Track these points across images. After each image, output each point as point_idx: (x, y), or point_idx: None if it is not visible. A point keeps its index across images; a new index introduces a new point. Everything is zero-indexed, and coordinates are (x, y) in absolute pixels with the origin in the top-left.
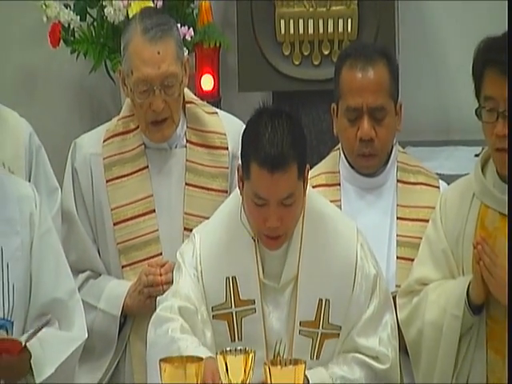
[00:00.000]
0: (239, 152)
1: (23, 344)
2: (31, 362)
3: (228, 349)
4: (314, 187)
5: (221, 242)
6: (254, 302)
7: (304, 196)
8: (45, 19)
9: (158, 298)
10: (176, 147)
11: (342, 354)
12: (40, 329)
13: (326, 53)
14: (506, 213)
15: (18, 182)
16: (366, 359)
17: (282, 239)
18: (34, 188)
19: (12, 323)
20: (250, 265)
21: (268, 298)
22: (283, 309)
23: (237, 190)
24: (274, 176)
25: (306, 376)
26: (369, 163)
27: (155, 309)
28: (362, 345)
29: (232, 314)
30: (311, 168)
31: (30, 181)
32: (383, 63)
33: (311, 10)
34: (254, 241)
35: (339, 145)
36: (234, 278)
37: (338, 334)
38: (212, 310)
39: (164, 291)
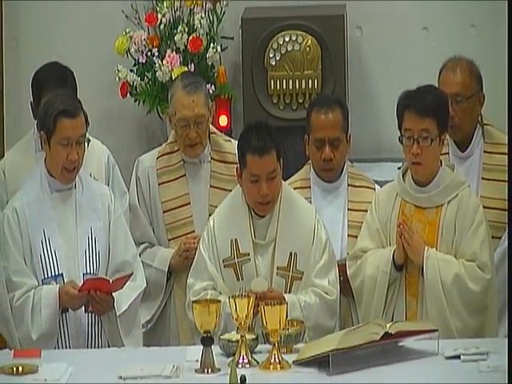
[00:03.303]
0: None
1: (110, 282)
2: (114, 301)
3: (236, 294)
4: (294, 189)
5: (227, 217)
6: (248, 254)
7: (280, 175)
8: (117, 79)
9: (188, 281)
10: (204, 162)
11: (303, 289)
12: (127, 278)
13: (301, 101)
14: (419, 205)
15: (100, 185)
16: (320, 291)
17: (270, 205)
18: (109, 189)
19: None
20: (246, 230)
21: (258, 251)
22: (268, 258)
23: (237, 188)
24: (262, 158)
25: (283, 297)
26: (329, 175)
27: (189, 267)
28: (317, 283)
29: (235, 263)
30: (291, 176)
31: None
32: (338, 109)
33: (291, 73)
34: (250, 212)
35: (309, 161)
36: (235, 240)
37: (301, 278)
38: (223, 262)
39: (195, 255)
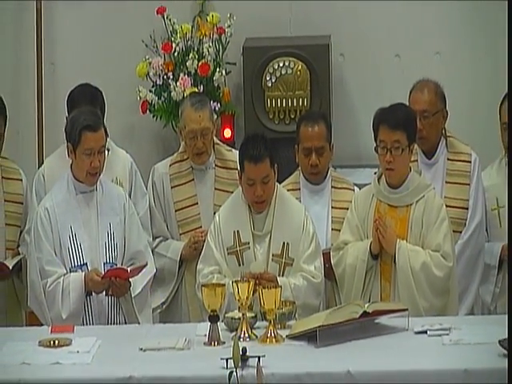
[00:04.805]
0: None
1: (129, 271)
2: (131, 286)
3: (238, 279)
4: (287, 190)
5: (230, 212)
6: (248, 243)
7: (274, 179)
8: (138, 98)
9: (197, 267)
10: (209, 169)
11: (294, 274)
12: (142, 268)
13: (293, 117)
14: (392, 204)
15: (117, 187)
16: (308, 275)
17: (265, 204)
18: (124, 190)
19: (116, 264)
20: (246, 223)
21: (256, 241)
22: (264, 247)
23: (238, 189)
24: (257, 165)
25: (276, 278)
26: (315, 178)
27: (198, 257)
28: (305, 268)
29: (237, 250)
30: (284, 180)
31: (131, 190)
32: (322, 122)
33: (284, 93)
34: (249, 208)
35: (299, 167)
36: (237, 231)
37: (292, 264)
38: (227, 250)
39: (203, 246)
